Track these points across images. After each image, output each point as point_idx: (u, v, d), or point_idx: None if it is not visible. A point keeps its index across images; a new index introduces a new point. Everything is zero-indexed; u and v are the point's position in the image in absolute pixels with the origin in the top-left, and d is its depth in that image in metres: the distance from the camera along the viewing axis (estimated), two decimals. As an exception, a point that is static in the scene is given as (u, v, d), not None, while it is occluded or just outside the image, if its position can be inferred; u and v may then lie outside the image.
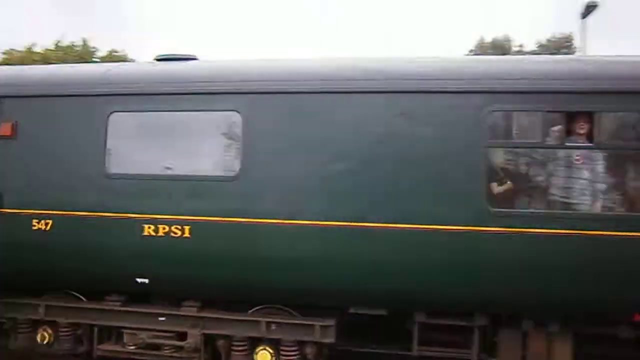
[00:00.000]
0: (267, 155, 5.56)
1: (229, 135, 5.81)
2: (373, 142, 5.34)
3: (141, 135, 6.04)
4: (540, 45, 28.43)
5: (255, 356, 5.78)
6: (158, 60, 6.61)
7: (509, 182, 5.28)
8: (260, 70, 5.92)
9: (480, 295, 5.21)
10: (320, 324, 5.64)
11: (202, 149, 5.92)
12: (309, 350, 5.69)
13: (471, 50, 29.60)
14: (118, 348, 6.10)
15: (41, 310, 6.25)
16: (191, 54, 6.65)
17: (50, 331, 6.26)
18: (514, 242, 5.06)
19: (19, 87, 6.30)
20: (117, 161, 5.97)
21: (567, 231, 4.98)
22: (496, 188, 5.26)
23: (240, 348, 5.80)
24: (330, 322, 5.64)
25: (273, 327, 5.75)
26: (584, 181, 5.09)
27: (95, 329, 6.15)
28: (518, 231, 5.04)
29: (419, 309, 5.51)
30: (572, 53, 15.13)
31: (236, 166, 5.63)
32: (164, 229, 5.71)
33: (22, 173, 6.15)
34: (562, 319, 5.28)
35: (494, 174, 5.28)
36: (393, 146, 5.31)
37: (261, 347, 5.78)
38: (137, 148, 6.07)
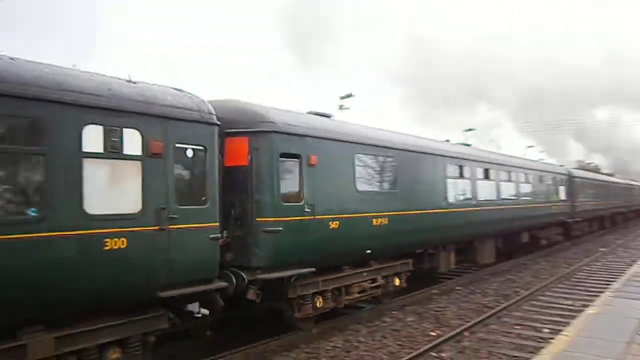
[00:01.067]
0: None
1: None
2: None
3: (373, 166, 10.29)
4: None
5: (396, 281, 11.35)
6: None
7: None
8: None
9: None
10: (410, 260, 11.92)
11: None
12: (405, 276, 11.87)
13: None
14: (352, 297, 9.97)
15: (320, 284, 9.17)
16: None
17: (322, 298, 9.26)
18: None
19: (315, 130, 8.94)
20: (360, 183, 10.01)
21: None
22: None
23: (395, 280, 11.22)
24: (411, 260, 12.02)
25: (399, 266, 11.48)
26: None
27: (343, 289, 9.75)
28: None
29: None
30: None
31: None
32: (381, 220, 10.40)
33: (323, 190, 8.98)
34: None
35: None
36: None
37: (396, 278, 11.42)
38: (369, 174, 10.22)
